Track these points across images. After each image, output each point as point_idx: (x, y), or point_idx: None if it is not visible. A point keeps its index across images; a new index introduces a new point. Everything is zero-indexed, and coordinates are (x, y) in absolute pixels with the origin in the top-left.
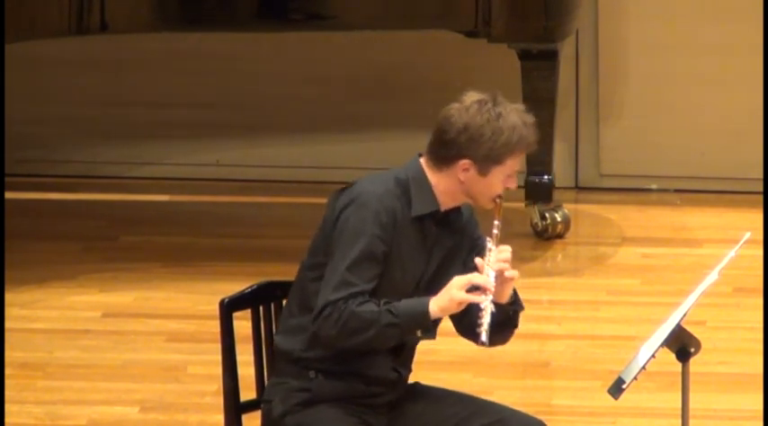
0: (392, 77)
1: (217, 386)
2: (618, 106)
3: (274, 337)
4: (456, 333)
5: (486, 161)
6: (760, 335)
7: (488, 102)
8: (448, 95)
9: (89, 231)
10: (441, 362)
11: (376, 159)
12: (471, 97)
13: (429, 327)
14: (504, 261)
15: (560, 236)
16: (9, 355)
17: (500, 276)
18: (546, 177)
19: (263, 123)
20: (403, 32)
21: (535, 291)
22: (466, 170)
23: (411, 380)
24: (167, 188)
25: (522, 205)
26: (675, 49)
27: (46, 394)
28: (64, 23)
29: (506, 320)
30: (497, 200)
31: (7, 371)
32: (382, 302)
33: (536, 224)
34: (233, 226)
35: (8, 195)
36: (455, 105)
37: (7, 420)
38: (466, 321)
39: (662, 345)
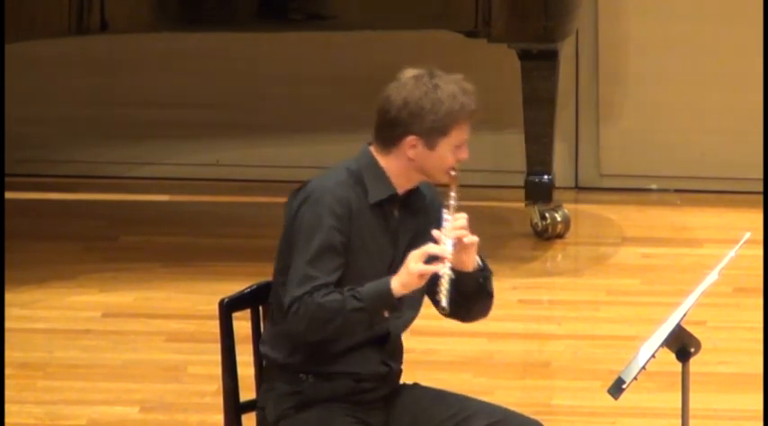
0: (392, 77)
1: (217, 385)
2: (618, 106)
3: (260, 346)
4: (456, 333)
5: (432, 133)
6: (760, 335)
7: (424, 76)
8: None
9: (89, 231)
10: (441, 362)
11: None
12: (407, 73)
13: (396, 306)
14: (461, 229)
15: (560, 236)
16: (9, 355)
17: (459, 244)
18: (546, 177)
19: (263, 123)
20: (403, 32)
21: (535, 291)
22: (413, 146)
23: (411, 381)
24: (167, 188)
25: (522, 205)
26: (675, 49)
27: (46, 394)
28: (64, 23)
29: (479, 289)
30: (452, 173)
31: (7, 371)
32: (346, 289)
33: (536, 224)
34: (233, 226)
35: (8, 195)
36: (392, 84)
37: (7, 420)
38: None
39: (662, 345)
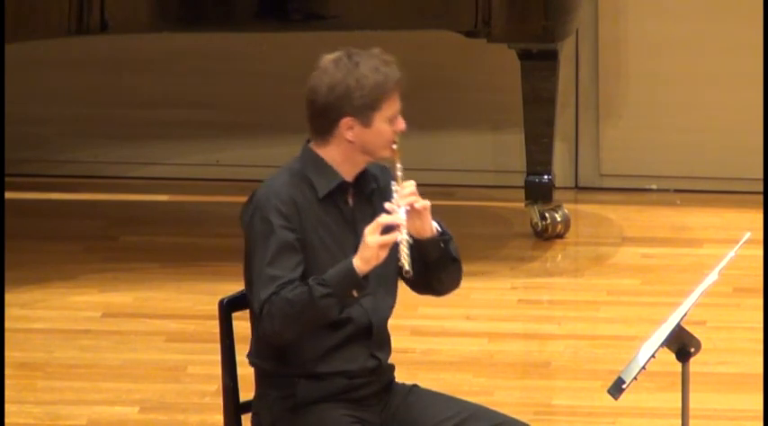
0: None
1: (217, 386)
2: (618, 106)
3: (247, 357)
4: (456, 334)
5: (364, 110)
6: (760, 335)
7: (343, 57)
8: (448, 95)
9: (89, 231)
10: (441, 362)
11: None
12: (325, 59)
13: (362, 284)
14: (410, 195)
15: (560, 236)
16: (9, 355)
17: (412, 211)
18: (546, 177)
19: (263, 123)
20: (403, 32)
21: (535, 291)
22: (350, 127)
23: (410, 381)
24: (167, 188)
25: (522, 205)
26: (675, 49)
27: (46, 394)
28: (64, 23)
29: (442, 254)
30: (393, 146)
31: (7, 371)
32: (311, 279)
33: (536, 224)
34: (233, 226)
35: (8, 195)
36: (313, 73)
37: (7, 420)
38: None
39: (662, 345)
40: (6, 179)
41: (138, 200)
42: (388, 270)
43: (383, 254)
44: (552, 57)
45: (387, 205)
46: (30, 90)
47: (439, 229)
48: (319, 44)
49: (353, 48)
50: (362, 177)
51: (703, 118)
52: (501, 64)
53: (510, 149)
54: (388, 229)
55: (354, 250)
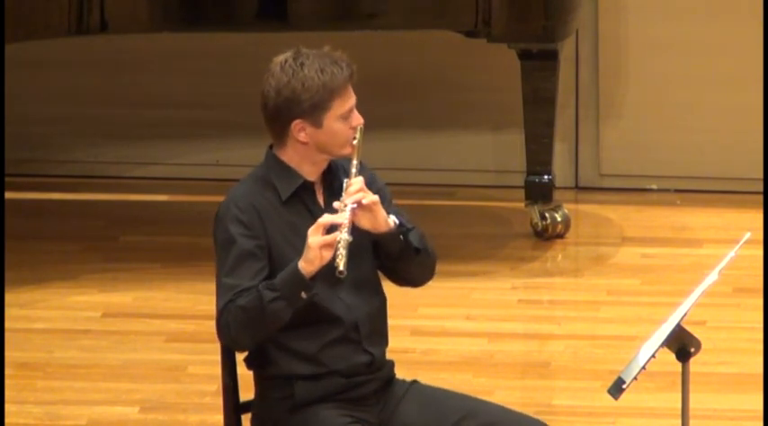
0: (392, 77)
1: (217, 385)
2: (618, 106)
3: (244, 361)
4: (456, 334)
5: (313, 111)
6: (760, 335)
7: (289, 59)
8: (448, 95)
9: (89, 231)
10: (441, 362)
11: (375, 159)
12: (274, 62)
13: (309, 285)
14: (357, 192)
15: (560, 236)
16: (9, 355)
17: (361, 208)
18: (546, 177)
19: (263, 123)
20: (403, 32)
21: (535, 291)
22: (302, 129)
23: (410, 378)
24: (167, 188)
25: (522, 205)
26: (675, 49)
27: (46, 394)
28: (64, 23)
29: (405, 247)
30: (353, 142)
31: (7, 371)
32: (261, 284)
33: (536, 224)
34: None
35: (8, 195)
36: (264, 77)
37: (7, 420)
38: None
39: (662, 345)
40: (6, 179)
41: (138, 200)
42: (364, 270)
43: (327, 255)
44: (552, 57)
45: (335, 204)
46: (30, 90)
47: (396, 221)
48: (319, 44)
49: (303, 48)
50: (329, 174)
51: (703, 118)
52: (501, 64)
53: (510, 149)
54: (332, 229)
55: None
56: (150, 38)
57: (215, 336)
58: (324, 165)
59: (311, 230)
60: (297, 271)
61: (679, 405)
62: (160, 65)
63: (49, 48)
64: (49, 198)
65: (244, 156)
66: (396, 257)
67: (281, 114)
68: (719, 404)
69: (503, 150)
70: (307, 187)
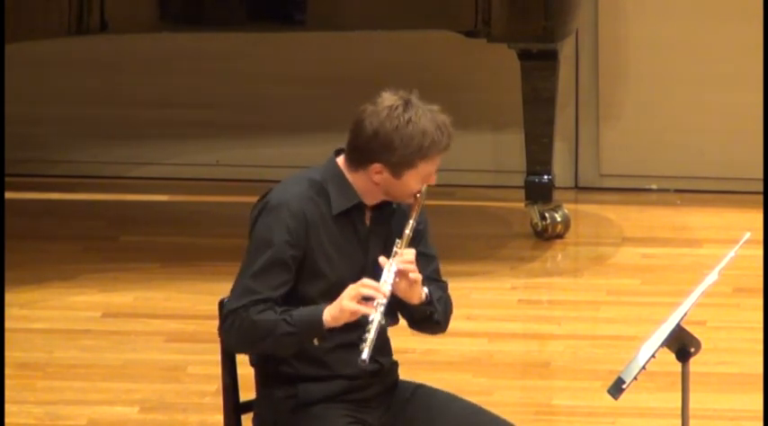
0: (392, 77)
1: (217, 385)
2: (618, 106)
3: (249, 357)
4: (456, 334)
5: (399, 166)
6: (760, 335)
7: (399, 107)
8: (448, 95)
9: (89, 231)
10: (441, 362)
11: None
12: (384, 100)
13: (325, 336)
14: (408, 263)
15: (560, 236)
16: (9, 355)
17: (404, 279)
18: (546, 177)
19: (263, 123)
20: (403, 32)
21: (535, 291)
22: (379, 173)
23: (410, 378)
24: (167, 188)
25: (522, 205)
26: (675, 49)
27: (46, 394)
28: (64, 23)
29: (425, 318)
30: (417, 196)
31: (7, 371)
32: (281, 310)
33: (536, 224)
34: (233, 226)
35: (8, 195)
36: (369, 108)
37: (7, 420)
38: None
39: (662, 345)
40: (6, 179)
41: (137, 200)
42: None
43: (353, 319)
44: (552, 57)
45: (381, 260)
46: (30, 90)
47: (428, 296)
48: (319, 44)
49: (416, 98)
50: (384, 202)
51: (703, 118)
52: (501, 64)
53: (510, 149)
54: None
55: (362, 271)
56: (150, 38)
57: (215, 336)
58: (380, 200)
59: (349, 293)
60: (320, 320)
61: (679, 405)
62: (160, 65)
63: (49, 48)
64: (49, 198)
65: (244, 156)
66: (415, 320)
67: (368, 152)
68: (719, 404)
69: (502, 150)
70: (359, 207)
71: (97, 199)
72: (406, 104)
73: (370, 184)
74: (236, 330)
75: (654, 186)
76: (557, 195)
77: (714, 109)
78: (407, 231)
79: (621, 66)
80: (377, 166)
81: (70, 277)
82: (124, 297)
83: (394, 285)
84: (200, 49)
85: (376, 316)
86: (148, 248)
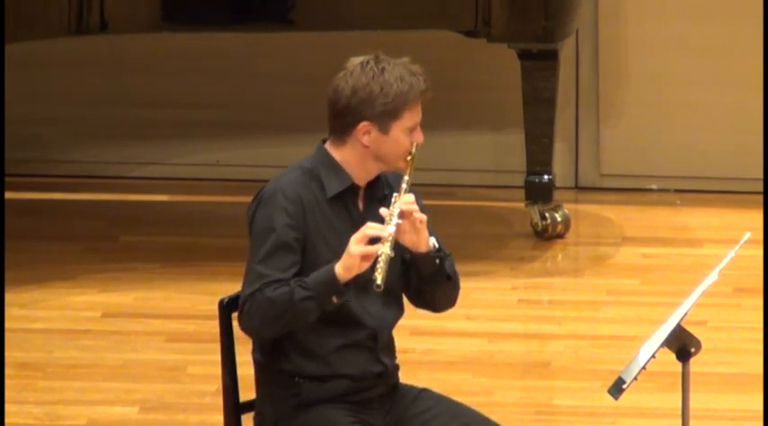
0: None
1: (217, 385)
2: (618, 106)
3: (252, 354)
4: (456, 334)
5: (384, 117)
6: (760, 335)
7: (370, 61)
8: (448, 95)
9: (89, 231)
10: (441, 362)
11: None
12: (353, 62)
13: (342, 291)
14: (409, 203)
15: (560, 236)
16: (9, 355)
17: (407, 224)
18: (546, 177)
19: (264, 123)
20: (403, 32)
21: (535, 291)
22: (367, 132)
23: (411, 381)
24: (167, 188)
25: (521, 205)
26: (675, 49)
27: (46, 394)
28: (64, 23)
29: (437, 271)
30: (408, 157)
31: (7, 371)
32: (294, 280)
33: (536, 224)
34: (233, 226)
35: (8, 195)
36: (339, 74)
37: (7, 420)
38: (409, 281)
39: (662, 345)
40: (6, 179)
41: (138, 200)
42: (391, 282)
43: (365, 265)
44: (552, 57)
45: (381, 210)
46: (30, 90)
47: (436, 245)
48: (319, 44)
49: (382, 54)
50: (375, 183)
51: (703, 118)
52: (501, 64)
53: (510, 149)
54: (375, 240)
55: None
56: (150, 38)
57: (215, 336)
58: (374, 174)
59: (355, 238)
60: (333, 276)
61: (679, 405)
62: (160, 65)
63: (49, 48)
64: (49, 198)
65: (244, 156)
66: (425, 279)
67: (351, 113)
68: (719, 404)
69: (502, 150)
70: (352, 190)
71: (97, 199)
72: (377, 59)
73: (360, 152)
74: (254, 312)
75: (654, 186)
76: (557, 195)
77: (714, 109)
78: (404, 185)
79: (621, 66)
80: (363, 126)
81: (70, 277)
82: (124, 297)
83: (400, 233)
84: (201, 49)
85: (384, 249)
86: (148, 248)
